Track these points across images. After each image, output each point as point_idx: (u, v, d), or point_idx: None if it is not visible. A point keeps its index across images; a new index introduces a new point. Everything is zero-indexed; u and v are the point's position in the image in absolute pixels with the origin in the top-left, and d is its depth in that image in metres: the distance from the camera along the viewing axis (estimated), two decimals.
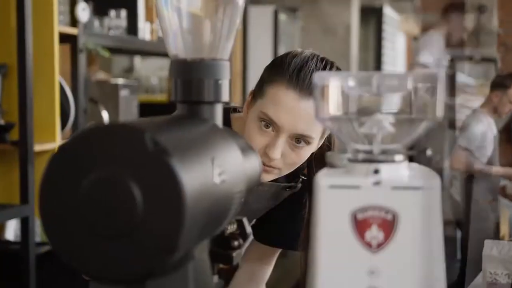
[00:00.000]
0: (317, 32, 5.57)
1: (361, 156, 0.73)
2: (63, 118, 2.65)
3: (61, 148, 0.65)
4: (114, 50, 3.26)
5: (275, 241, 1.52)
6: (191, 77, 0.81)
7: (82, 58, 2.72)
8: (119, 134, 0.65)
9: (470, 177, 4.36)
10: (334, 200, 0.71)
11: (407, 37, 9.26)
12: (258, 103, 1.26)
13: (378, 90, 0.72)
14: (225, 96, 0.83)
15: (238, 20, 0.85)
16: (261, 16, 5.49)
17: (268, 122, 1.24)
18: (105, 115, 3.00)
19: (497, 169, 4.26)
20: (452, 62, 4.88)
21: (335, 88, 0.73)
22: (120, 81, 3.26)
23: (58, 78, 2.57)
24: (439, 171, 4.44)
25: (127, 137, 0.65)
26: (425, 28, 9.76)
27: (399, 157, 0.73)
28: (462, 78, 4.86)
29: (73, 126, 2.72)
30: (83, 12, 2.69)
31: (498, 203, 4.39)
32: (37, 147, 2.48)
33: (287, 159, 1.27)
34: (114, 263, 0.64)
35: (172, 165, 0.63)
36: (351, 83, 0.73)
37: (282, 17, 5.74)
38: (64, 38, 2.69)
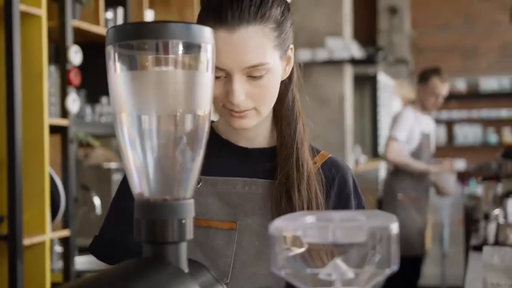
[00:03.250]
0: (311, 103, 5.62)
1: None
2: (53, 209, 2.65)
3: None
4: (107, 135, 3.28)
5: None
6: (155, 218, 0.82)
7: (73, 148, 2.74)
8: None
9: (394, 172, 4.37)
10: None
11: (403, 101, 9.35)
12: None
13: (334, 239, 0.72)
14: (189, 234, 0.83)
15: (201, 157, 0.86)
16: None
17: (219, 72, 1.17)
18: (97, 202, 3.00)
19: (420, 165, 4.25)
20: None
21: (291, 237, 0.73)
22: (113, 165, 3.27)
23: (48, 170, 2.58)
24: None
25: None
26: None
27: None
28: None
29: (63, 216, 2.72)
30: (74, 103, 2.73)
31: (426, 206, 4.37)
32: (27, 241, 2.46)
33: (254, 95, 1.19)
34: None
35: None
36: (309, 232, 0.73)
37: None
38: (55, 129, 2.72)
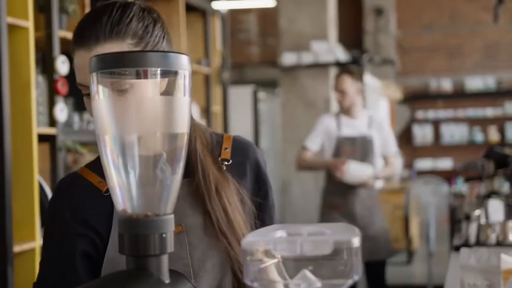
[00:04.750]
0: (297, 107, 5.70)
1: None
2: (43, 216, 2.70)
3: None
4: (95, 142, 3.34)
5: None
6: (137, 233, 0.88)
7: (61, 156, 2.79)
8: None
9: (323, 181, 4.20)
10: None
11: (390, 101, 9.44)
12: None
13: (302, 252, 0.79)
14: (170, 247, 0.90)
15: (180, 175, 0.92)
16: (241, 96, 5.64)
17: (85, 90, 1.20)
18: None
19: (320, 160, 4.08)
20: None
21: (262, 251, 0.80)
22: None
23: (37, 178, 2.63)
24: None
25: None
26: (407, 91, 9.99)
27: None
28: None
29: None
30: (61, 112, 2.78)
31: (356, 211, 4.10)
32: (17, 248, 2.52)
33: None
34: None
35: None
36: (279, 246, 0.79)
37: (262, 95, 5.89)
38: (43, 137, 2.77)
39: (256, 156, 1.39)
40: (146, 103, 0.90)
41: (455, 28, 9.96)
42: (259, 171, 1.38)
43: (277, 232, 0.83)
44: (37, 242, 2.62)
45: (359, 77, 4.10)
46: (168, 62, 0.88)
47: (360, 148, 4.09)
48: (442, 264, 6.04)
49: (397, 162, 4.25)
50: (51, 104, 2.79)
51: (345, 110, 4.12)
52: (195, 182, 1.31)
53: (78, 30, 1.23)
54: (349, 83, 4.03)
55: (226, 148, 1.36)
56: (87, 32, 1.20)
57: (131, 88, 1.04)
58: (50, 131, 2.79)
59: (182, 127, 0.91)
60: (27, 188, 2.61)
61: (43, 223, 2.62)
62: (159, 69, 0.88)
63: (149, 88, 0.91)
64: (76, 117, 3.09)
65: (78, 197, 1.26)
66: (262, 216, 1.35)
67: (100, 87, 0.89)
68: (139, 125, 0.89)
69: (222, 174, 1.32)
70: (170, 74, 0.89)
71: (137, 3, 1.27)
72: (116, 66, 0.88)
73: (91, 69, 0.89)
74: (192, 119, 1.32)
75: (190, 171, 1.32)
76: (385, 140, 4.17)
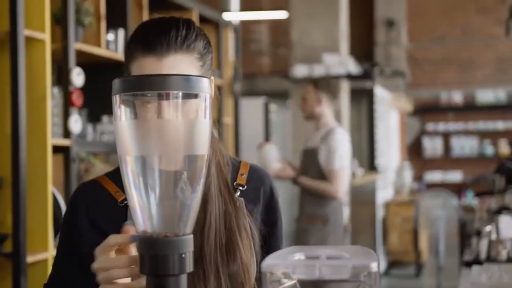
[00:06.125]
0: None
1: None
2: (56, 227, 2.72)
3: None
4: (108, 153, 3.36)
5: None
6: (157, 252, 0.89)
7: (75, 167, 2.81)
8: None
9: None
10: None
11: (400, 113, 9.44)
12: None
13: (320, 276, 0.80)
14: (189, 267, 0.91)
15: (200, 195, 0.94)
16: (253, 107, 5.66)
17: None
18: None
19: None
20: None
21: (281, 273, 0.81)
22: None
23: (51, 189, 2.66)
24: None
25: None
26: (418, 103, 9.98)
27: None
28: None
29: None
30: (76, 124, 2.80)
31: (297, 223, 4.09)
32: (30, 258, 2.54)
33: None
34: None
35: None
36: (297, 269, 0.81)
37: (273, 107, 5.90)
38: (58, 148, 2.79)
39: (271, 184, 1.40)
40: (167, 125, 0.92)
41: (466, 41, 9.95)
42: (272, 198, 1.38)
43: (296, 255, 0.84)
44: (50, 253, 2.65)
45: (324, 89, 4.10)
46: (189, 85, 0.90)
47: (307, 159, 4.13)
48: (451, 278, 6.03)
49: (339, 181, 4.00)
50: (66, 115, 2.82)
51: (307, 119, 4.22)
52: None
53: (145, 38, 1.23)
54: (309, 92, 4.11)
55: (242, 174, 1.36)
56: (156, 41, 1.21)
57: (152, 109, 1.05)
58: (65, 142, 2.81)
59: (203, 149, 0.92)
60: (41, 199, 2.63)
61: (57, 230, 2.64)
62: (180, 92, 0.89)
63: (170, 110, 0.93)
64: (90, 128, 3.12)
65: (95, 204, 1.28)
66: (267, 248, 1.33)
67: (123, 109, 0.90)
68: (160, 147, 0.91)
69: (233, 200, 1.31)
70: (191, 96, 0.91)
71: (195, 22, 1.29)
72: (139, 89, 0.90)
73: (114, 91, 0.90)
74: (214, 141, 1.31)
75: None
76: (327, 154, 4.03)
